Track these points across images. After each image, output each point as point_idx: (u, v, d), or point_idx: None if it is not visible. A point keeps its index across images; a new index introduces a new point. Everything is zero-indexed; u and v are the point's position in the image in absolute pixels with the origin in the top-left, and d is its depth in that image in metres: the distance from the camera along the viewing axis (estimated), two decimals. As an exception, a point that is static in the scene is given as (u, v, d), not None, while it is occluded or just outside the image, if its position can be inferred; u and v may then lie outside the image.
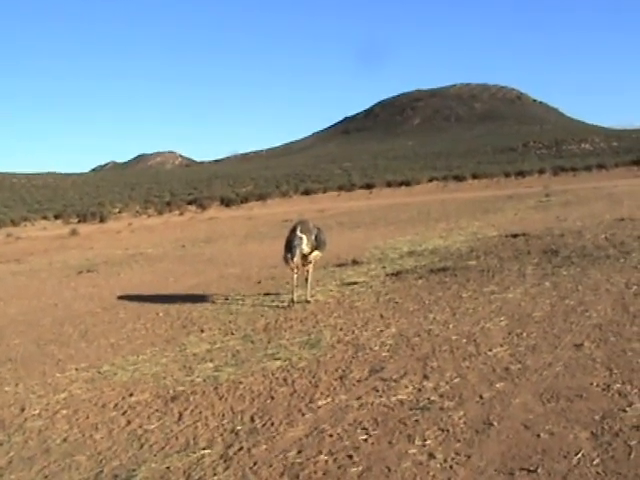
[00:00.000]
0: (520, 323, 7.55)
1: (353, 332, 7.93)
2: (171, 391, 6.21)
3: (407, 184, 75.90)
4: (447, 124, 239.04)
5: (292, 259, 9.92)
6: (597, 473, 3.94)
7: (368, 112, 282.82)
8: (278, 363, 6.84)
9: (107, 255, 21.53)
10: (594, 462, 4.07)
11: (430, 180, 79.65)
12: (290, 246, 10.01)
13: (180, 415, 5.56)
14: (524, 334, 7.05)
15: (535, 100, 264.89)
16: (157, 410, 5.74)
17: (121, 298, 12.22)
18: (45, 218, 64.43)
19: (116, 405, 5.97)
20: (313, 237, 10.33)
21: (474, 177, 78.64)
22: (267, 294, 11.25)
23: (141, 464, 4.62)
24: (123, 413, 5.74)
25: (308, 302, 10.17)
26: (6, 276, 17.58)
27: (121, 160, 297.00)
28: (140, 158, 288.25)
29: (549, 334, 6.96)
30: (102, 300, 12.18)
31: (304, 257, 10.31)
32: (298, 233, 10.05)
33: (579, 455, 4.17)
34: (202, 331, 8.80)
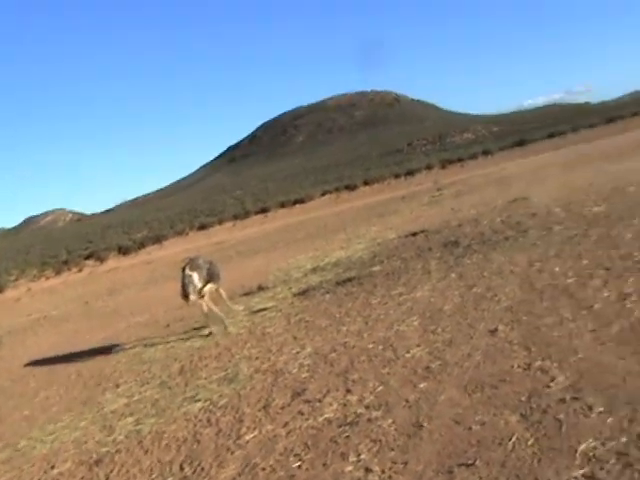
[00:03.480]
0: (433, 320, 7.58)
1: (269, 359, 7.84)
2: (94, 455, 6.01)
3: (301, 202, 76.03)
4: (331, 136, 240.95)
5: (188, 297, 10.10)
6: (533, 453, 3.97)
7: (251, 137, 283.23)
8: (199, 405, 6.70)
9: (9, 325, 20.87)
10: (528, 443, 4.09)
11: (323, 194, 79.96)
12: (182, 285, 10.17)
13: (107, 478, 5.37)
14: (438, 330, 7.08)
15: (413, 99, 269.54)
16: (82, 478, 5.54)
17: (30, 366, 11.84)
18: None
19: (38, 481, 5.74)
20: (204, 272, 10.51)
21: (365, 184, 79.26)
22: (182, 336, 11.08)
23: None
24: (46, 488, 5.52)
25: (227, 330, 10.31)
26: None
27: (9, 225, 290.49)
28: (29, 220, 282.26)
29: (463, 325, 7.01)
30: (10, 372, 11.77)
31: (201, 292, 10.45)
32: (187, 272, 10.22)
33: (513, 439, 4.19)
34: (117, 386, 8.59)
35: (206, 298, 10.67)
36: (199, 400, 6.86)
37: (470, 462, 4.05)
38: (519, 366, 5.37)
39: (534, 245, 10.44)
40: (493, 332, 6.46)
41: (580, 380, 4.79)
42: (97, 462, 5.79)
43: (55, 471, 5.86)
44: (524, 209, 15.05)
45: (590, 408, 4.34)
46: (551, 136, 79.67)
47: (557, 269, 8.41)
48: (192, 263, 10.57)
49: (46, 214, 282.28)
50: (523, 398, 4.73)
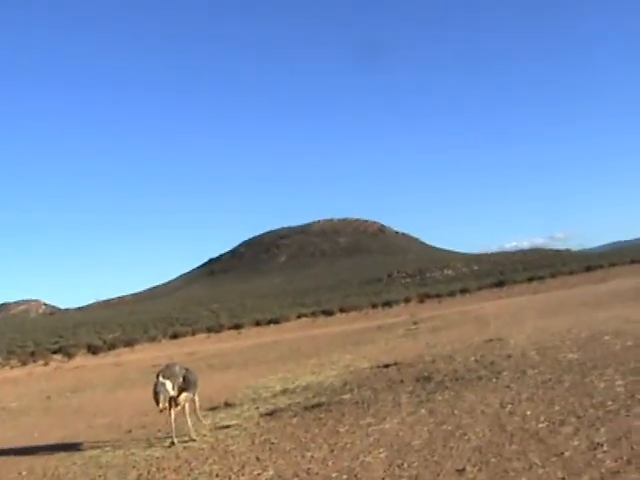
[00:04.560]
0: (400, 453, 7.45)
1: (230, 478, 7.70)
2: None
3: (276, 322, 75.95)
4: (313, 259, 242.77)
5: (158, 404, 10.03)
6: None
7: (233, 252, 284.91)
8: (153, 518, 6.49)
9: (-35, 414, 20.44)
10: None
11: (299, 316, 79.99)
12: (154, 392, 10.11)
13: None
14: (405, 464, 6.95)
15: (397, 232, 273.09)
16: None
17: (-20, 460, 11.51)
18: None
19: None
20: (180, 379, 10.43)
21: (342, 311, 79.44)
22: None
23: None
24: None
25: (194, 440, 10.19)
26: None
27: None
28: (2, 307, 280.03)
29: (430, 461, 6.88)
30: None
31: (173, 400, 10.35)
32: (160, 379, 10.17)
33: None
34: (69, 489, 8.34)
35: (179, 407, 10.56)
36: (153, 513, 6.66)
37: None
38: (484, 509, 5.26)
39: (507, 387, 10.38)
40: (460, 472, 6.35)
41: (546, 529, 4.68)
42: None
43: None
44: (499, 350, 15.03)
45: None
46: (530, 280, 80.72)
47: (529, 413, 8.35)
48: (167, 370, 10.49)
49: (20, 303, 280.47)
50: (486, 543, 4.61)
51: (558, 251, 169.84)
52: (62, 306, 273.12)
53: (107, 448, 10.76)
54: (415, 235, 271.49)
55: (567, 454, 6.32)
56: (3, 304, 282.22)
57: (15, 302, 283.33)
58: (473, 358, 14.33)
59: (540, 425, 7.64)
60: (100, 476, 8.81)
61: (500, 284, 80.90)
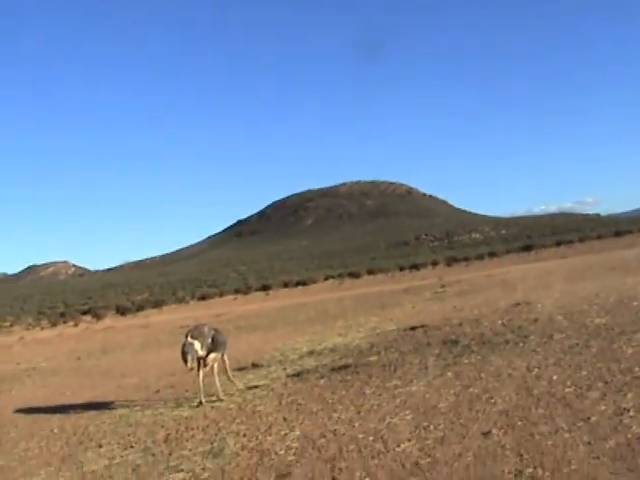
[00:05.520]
0: (426, 416, 7.47)
1: (257, 438, 7.72)
2: (68, 515, 5.86)
3: (303, 284, 76.09)
4: (340, 222, 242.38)
5: (186, 364, 10.16)
6: None
7: (261, 214, 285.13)
8: (181, 475, 6.57)
9: (-2, 373, 20.73)
10: None
11: (326, 279, 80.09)
12: (182, 352, 10.21)
13: (78, 541, 5.24)
14: (431, 427, 6.96)
15: (425, 194, 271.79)
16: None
17: (13, 416, 11.70)
18: None
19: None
20: (209, 340, 10.53)
21: (369, 273, 79.45)
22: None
23: None
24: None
25: (222, 400, 10.31)
26: None
27: (11, 271, 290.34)
28: (31, 269, 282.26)
29: (456, 424, 6.89)
30: (-8, 421, 11.61)
31: (202, 360, 10.47)
32: (189, 339, 10.29)
33: None
34: (100, 446, 8.45)
35: (208, 367, 10.64)
36: (182, 471, 6.73)
37: None
38: (510, 472, 5.27)
39: (534, 351, 10.35)
40: (486, 434, 6.36)
41: (572, 492, 4.68)
42: (71, 523, 5.66)
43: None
44: (526, 314, 14.96)
45: (580, 523, 4.23)
46: (558, 244, 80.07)
47: (555, 377, 8.32)
48: (195, 331, 10.59)
49: (49, 265, 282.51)
50: (512, 505, 4.63)
51: (587, 215, 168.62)
52: (91, 268, 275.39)
53: (136, 408, 10.89)
54: (443, 198, 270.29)
55: (594, 419, 6.31)
56: (32, 266, 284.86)
57: (44, 264, 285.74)
58: (500, 322, 14.30)
59: (567, 390, 7.62)
60: (129, 435, 8.91)
61: (528, 248, 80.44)
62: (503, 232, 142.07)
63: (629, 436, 5.68)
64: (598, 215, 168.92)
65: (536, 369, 9.00)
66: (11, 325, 64.95)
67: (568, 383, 7.92)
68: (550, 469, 5.18)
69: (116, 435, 8.98)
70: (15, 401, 13.44)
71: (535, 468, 5.26)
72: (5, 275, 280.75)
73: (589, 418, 6.35)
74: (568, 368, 8.76)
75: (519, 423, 6.57)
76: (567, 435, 5.95)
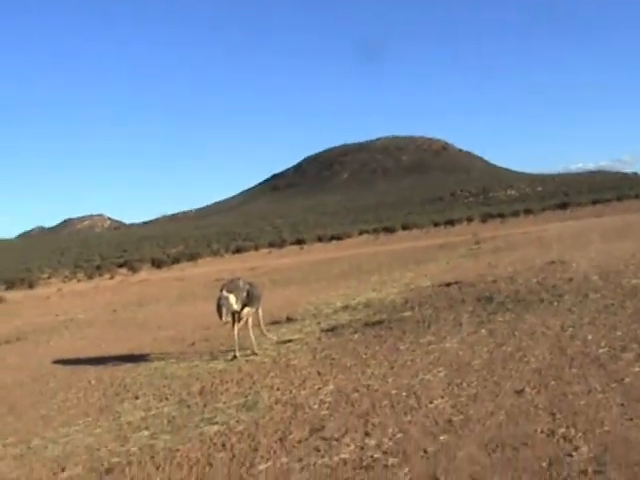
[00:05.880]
0: (459, 373, 7.49)
1: (291, 391, 7.79)
2: (105, 463, 5.97)
3: (338, 238, 76.25)
4: (375, 177, 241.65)
5: (221, 318, 10.26)
6: (547, 522, 3.88)
7: (296, 168, 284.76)
8: (216, 428, 6.65)
9: (36, 322, 21.03)
10: (544, 511, 4.00)
11: (360, 233, 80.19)
12: (217, 305, 10.30)
13: (115, 489, 5.34)
14: (464, 384, 6.99)
15: (461, 150, 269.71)
16: (91, 485, 5.50)
17: (51, 367, 11.88)
18: (-29, 286, 63.01)
19: (47, 482, 5.70)
20: (244, 294, 10.60)
21: (404, 228, 79.42)
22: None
23: None
24: (54, 490, 5.49)
25: (256, 354, 10.40)
26: None
27: (48, 225, 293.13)
28: (67, 222, 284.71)
29: (489, 382, 6.91)
30: (31, 370, 11.82)
31: (236, 314, 10.58)
32: (224, 293, 10.35)
33: (529, 505, 4.09)
34: (136, 398, 8.57)
35: (242, 321, 10.74)
36: (216, 423, 6.82)
37: (483, 522, 3.98)
38: (542, 431, 5.28)
39: (569, 310, 10.31)
40: (519, 393, 6.37)
41: (604, 453, 4.68)
42: (108, 471, 5.76)
43: (65, 474, 5.83)
44: (561, 272, 14.89)
45: (612, 483, 4.24)
46: (595, 202, 79.20)
47: (590, 337, 8.30)
48: (230, 284, 10.67)
49: (85, 218, 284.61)
50: (544, 464, 4.64)
51: (625, 174, 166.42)
52: (127, 221, 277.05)
53: (171, 360, 11.02)
54: (479, 154, 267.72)
55: (627, 380, 6.29)
56: (68, 220, 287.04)
57: (80, 217, 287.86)
58: (535, 280, 14.25)
59: (601, 350, 7.59)
60: (165, 386, 9.03)
61: (564, 206, 79.77)
62: (539, 189, 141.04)
63: (663, 398, 5.67)
64: (636, 174, 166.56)
65: (570, 328, 8.98)
66: (49, 277, 65.84)
67: (602, 343, 7.89)
68: (583, 430, 5.19)
69: (152, 387, 9.11)
70: (53, 352, 13.64)
71: (568, 428, 5.27)
72: (42, 229, 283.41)
73: (623, 379, 6.34)
74: (603, 328, 8.73)
75: (552, 382, 6.57)
76: (600, 396, 5.95)
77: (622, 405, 5.63)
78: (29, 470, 6.10)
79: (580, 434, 5.10)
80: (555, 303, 11.18)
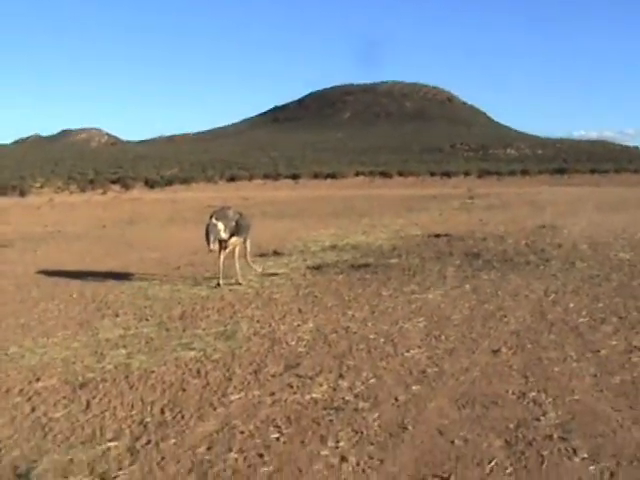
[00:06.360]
0: (439, 325, 7.56)
1: (270, 325, 7.84)
2: (80, 377, 6.01)
3: (333, 177, 76.13)
4: (377, 120, 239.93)
5: (208, 244, 10.28)
6: (509, 482, 3.93)
7: (299, 102, 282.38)
8: (192, 353, 6.70)
9: (24, 231, 21.03)
10: (507, 471, 4.06)
11: (357, 174, 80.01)
12: (205, 232, 10.33)
13: (88, 404, 5.38)
14: (442, 337, 7.05)
15: (465, 103, 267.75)
16: (64, 397, 5.54)
17: (35, 277, 11.89)
18: (-39, 189, 62.83)
19: (21, 390, 5.73)
20: (233, 223, 10.63)
21: (400, 174, 79.28)
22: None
23: (43, 455, 4.43)
24: (28, 399, 5.52)
25: (240, 284, 10.51)
26: None
27: (45, 134, 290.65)
28: (65, 133, 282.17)
29: (467, 338, 6.98)
30: (15, 277, 11.83)
31: (224, 242, 10.60)
32: (213, 220, 10.39)
33: (492, 463, 4.16)
34: (117, 315, 8.60)
35: (228, 250, 10.76)
36: (193, 349, 6.86)
37: (445, 475, 4.02)
38: (514, 392, 5.34)
39: (554, 276, 10.40)
40: (495, 352, 6.43)
41: (571, 421, 4.75)
42: (82, 385, 5.80)
43: (39, 384, 5.87)
44: (551, 237, 14.98)
45: (575, 452, 4.29)
46: (593, 172, 79.15)
47: (572, 305, 8.37)
48: (220, 212, 10.70)
49: (83, 131, 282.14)
50: (511, 425, 4.70)
51: (626, 147, 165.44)
52: (124, 137, 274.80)
53: (155, 282, 11.05)
54: (483, 109, 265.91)
55: (603, 352, 6.35)
56: (65, 130, 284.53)
57: (78, 129, 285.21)
58: (524, 242, 14.33)
59: (581, 320, 7.65)
60: (146, 307, 9.05)
61: (561, 171, 79.72)
62: (539, 152, 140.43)
63: (635, 374, 5.71)
64: (637, 148, 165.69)
65: (553, 294, 9.06)
66: (41, 187, 65.57)
67: (583, 313, 7.97)
68: (553, 395, 5.25)
69: (133, 306, 9.13)
70: (39, 261, 13.64)
71: (539, 392, 5.33)
72: (39, 137, 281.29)
73: (599, 351, 6.40)
74: (585, 298, 8.82)
75: (529, 346, 6.63)
76: (575, 365, 6.01)
77: (595, 376, 5.69)
78: (5, 376, 6.13)
79: (550, 400, 5.16)
80: (541, 267, 11.27)
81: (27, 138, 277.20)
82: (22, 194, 54.14)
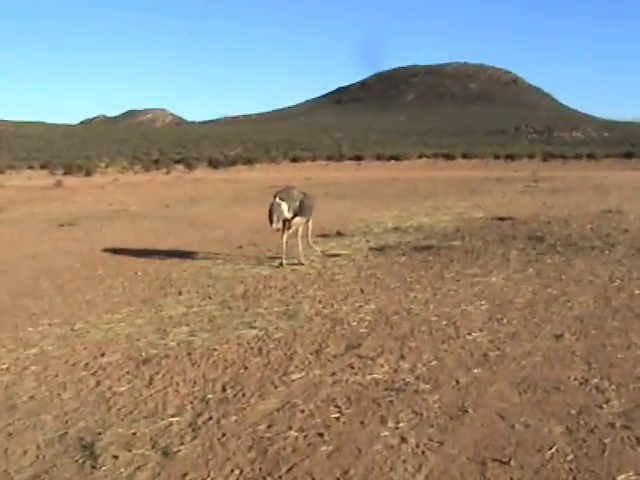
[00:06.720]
0: (501, 309, 7.49)
1: (332, 305, 7.85)
2: (144, 354, 6.10)
3: (396, 158, 75.80)
4: (441, 102, 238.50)
5: (271, 224, 10.33)
6: (570, 469, 3.88)
7: (363, 83, 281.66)
8: (254, 332, 6.74)
9: (90, 209, 21.34)
10: (567, 458, 4.00)
11: (420, 156, 79.59)
12: (269, 211, 10.35)
13: (151, 379, 5.46)
14: (504, 320, 6.99)
15: (530, 85, 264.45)
16: (128, 372, 5.63)
17: (101, 254, 12.07)
18: (31, 168, 63.97)
19: (87, 365, 5.84)
20: (297, 203, 10.62)
21: (464, 157, 78.64)
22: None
23: (107, 428, 4.51)
24: (93, 373, 5.62)
25: (302, 264, 10.54)
26: (-14, 223, 17.41)
27: (111, 114, 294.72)
28: (130, 114, 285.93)
29: (530, 322, 6.90)
30: (81, 255, 12.03)
31: (287, 222, 10.63)
32: (277, 200, 10.38)
33: (553, 450, 4.10)
34: (180, 293, 8.69)
35: (291, 230, 10.78)
36: (255, 328, 6.90)
37: (505, 460, 3.99)
38: (576, 378, 5.27)
39: (619, 262, 10.20)
40: (558, 337, 6.35)
41: (635, 409, 4.66)
42: (145, 361, 5.88)
43: (104, 359, 5.97)
44: (617, 222, 14.71)
45: (638, 441, 4.21)
46: (663, 156, 77.23)
47: (637, 292, 8.20)
48: (284, 192, 10.68)
49: (148, 111, 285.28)
50: (573, 412, 4.64)
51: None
52: (188, 118, 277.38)
53: (218, 261, 11.13)
54: (548, 91, 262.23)
55: (669, 340, 6.25)
56: (131, 111, 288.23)
57: (142, 110, 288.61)
58: (589, 226, 14.10)
59: (647, 306, 7.53)
60: (209, 286, 9.13)
61: (629, 155, 77.96)
62: (606, 135, 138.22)
63: (702, 362, 5.61)
64: None
65: (618, 280, 8.89)
66: (106, 166, 66.44)
67: (650, 299, 7.82)
68: (616, 382, 5.17)
69: (196, 285, 9.22)
70: (104, 240, 13.81)
71: (601, 379, 5.25)
72: (105, 117, 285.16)
73: (665, 338, 6.29)
74: (652, 284, 8.64)
75: (593, 331, 6.53)
76: (639, 352, 5.91)
77: (660, 364, 5.60)
78: (71, 351, 6.25)
79: (613, 387, 5.08)
80: (606, 252, 11.06)
81: (93, 119, 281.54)
82: (88, 174, 54.85)
